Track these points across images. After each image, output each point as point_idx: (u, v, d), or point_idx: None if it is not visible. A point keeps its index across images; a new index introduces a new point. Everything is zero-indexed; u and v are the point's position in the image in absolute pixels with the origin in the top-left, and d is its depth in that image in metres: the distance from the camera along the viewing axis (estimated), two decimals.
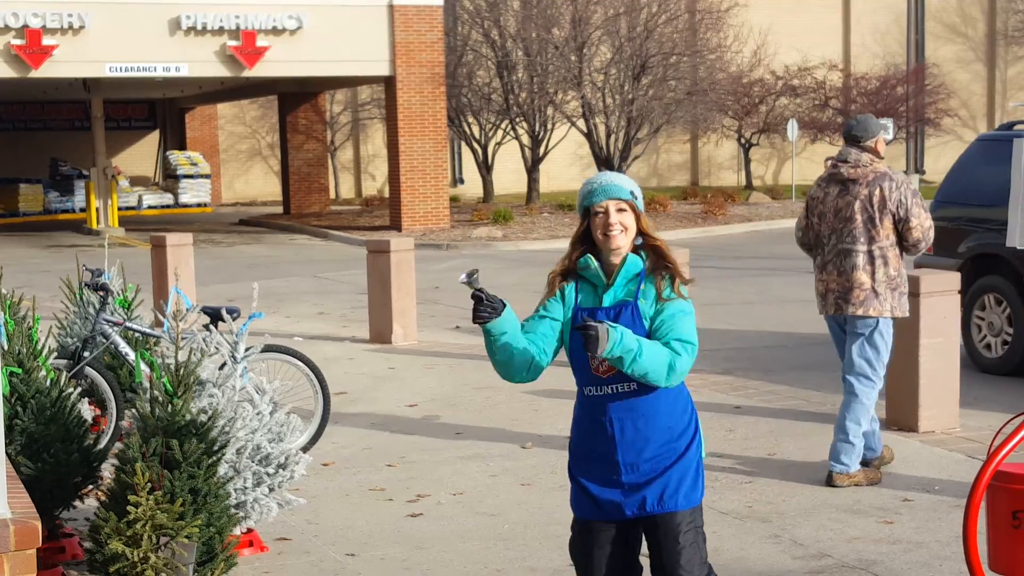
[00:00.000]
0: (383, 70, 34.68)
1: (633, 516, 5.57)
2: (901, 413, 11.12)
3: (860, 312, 9.38)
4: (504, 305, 5.40)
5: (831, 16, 59.32)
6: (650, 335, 5.45)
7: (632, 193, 5.55)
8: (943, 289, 11.04)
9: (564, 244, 6.22)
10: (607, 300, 5.53)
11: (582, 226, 5.59)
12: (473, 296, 5.34)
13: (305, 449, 10.18)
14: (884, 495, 9.19)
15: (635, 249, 5.57)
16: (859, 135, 9.56)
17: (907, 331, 10.95)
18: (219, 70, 33.35)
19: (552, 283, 5.64)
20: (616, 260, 5.53)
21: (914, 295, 10.86)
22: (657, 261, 5.57)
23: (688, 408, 5.65)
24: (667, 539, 5.56)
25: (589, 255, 5.55)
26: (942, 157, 59.61)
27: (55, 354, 10.27)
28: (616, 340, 5.24)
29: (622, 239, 5.50)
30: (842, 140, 10.19)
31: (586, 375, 5.56)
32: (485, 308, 5.34)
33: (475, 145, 43.69)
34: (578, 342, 5.41)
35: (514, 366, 5.48)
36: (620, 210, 5.50)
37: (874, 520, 8.62)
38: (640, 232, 5.56)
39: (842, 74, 54.94)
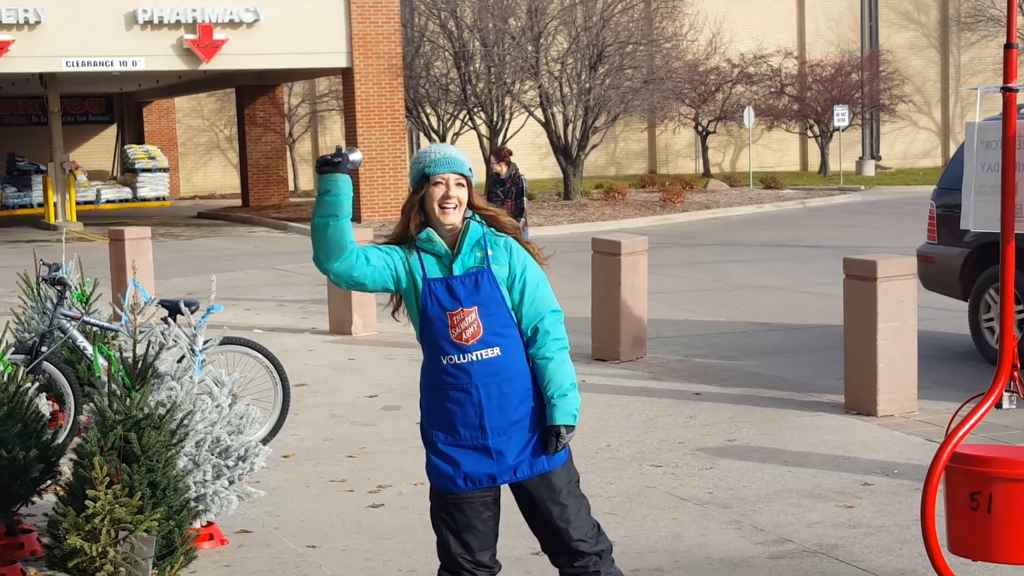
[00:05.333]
0: (340, 62, 34.62)
1: (507, 483, 5.57)
2: (859, 397, 11.17)
3: None
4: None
5: (785, 4, 59.56)
6: (510, 296, 5.56)
7: (470, 169, 5.63)
8: (900, 274, 11.09)
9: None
10: (457, 269, 5.55)
11: (418, 195, 5.60)
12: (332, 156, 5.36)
13: (265, 441, 10.14)
14: (844, 479, 9.23)
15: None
16: None
17: (865, 315, 11.00)
18: (176, 64, 33.22)
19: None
20: (451, 231, 5.58)
21: (871, 279, 10.92)
22: (500, 228, 5.66)
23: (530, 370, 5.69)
24: (550, 502, 5.58)
25: (430, 228, 5.57)
26: (897, 142, 60.03)
27: (12, 349, 10.20)
28: (575, 413, 5.53)
29: (455, 215, 5.55)
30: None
31: (448, 344, 5.53)
32: (337, 156, 5.35)
33: (433, 136, 43.66)
34: (442, 326, 5.51)
35: (332, 240, 5.42)
36: (459, 184, 5.57)
37: (834, 504, 8.66)
38: (472, 206, 5.62)
39: (797, 61, 55.29)
